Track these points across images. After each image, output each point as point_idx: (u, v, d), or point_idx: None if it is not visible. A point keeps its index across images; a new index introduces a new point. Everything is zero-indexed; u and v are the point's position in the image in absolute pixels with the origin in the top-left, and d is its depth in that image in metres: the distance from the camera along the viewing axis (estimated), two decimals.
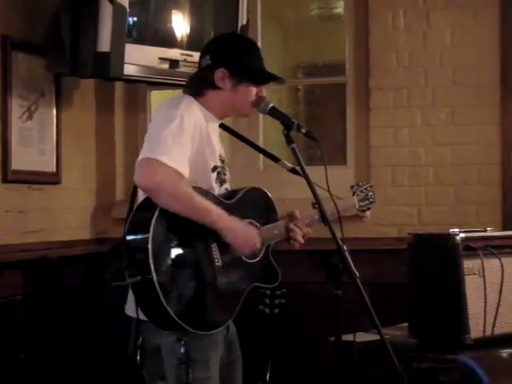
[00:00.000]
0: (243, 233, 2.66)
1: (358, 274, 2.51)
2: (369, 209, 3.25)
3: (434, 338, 3.27)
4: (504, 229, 4.19)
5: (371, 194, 3.26)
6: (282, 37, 5.28)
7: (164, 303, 2.46)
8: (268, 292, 4.25)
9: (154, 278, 2.45)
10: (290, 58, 5.17)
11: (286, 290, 4.26)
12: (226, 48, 2.82)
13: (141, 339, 2.66)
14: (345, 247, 2.55)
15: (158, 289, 2.45)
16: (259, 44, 4.54)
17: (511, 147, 4.35)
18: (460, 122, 4.42)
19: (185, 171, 2.58)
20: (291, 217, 2.90)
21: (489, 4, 4.38)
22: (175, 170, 2.53)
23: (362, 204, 3.20)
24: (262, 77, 2.81)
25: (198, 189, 2.62)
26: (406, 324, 3.44)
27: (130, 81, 4.17)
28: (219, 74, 2.74)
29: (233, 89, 2.75)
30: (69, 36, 3.90)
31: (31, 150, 4.25)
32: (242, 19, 4.26)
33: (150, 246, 2.46)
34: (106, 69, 3.84)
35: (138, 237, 2.52)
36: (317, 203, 2.67)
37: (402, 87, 4.50)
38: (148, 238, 2.47)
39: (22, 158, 4.15)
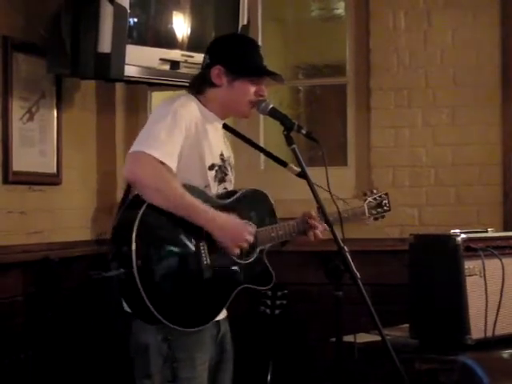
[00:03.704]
0: (231, 226, 2.64)
1: (359, 274, 2.51)
2: (383, 217, 3.18)
3: (435, 338, 3.27)
4: (505, 229, 4.19)
5: (386, 201, 3.18)
6: (283, 38, 5.27)
7: (144, 297, 2.46)
8: (269, 293, 4.25)
9: (135, 271, 2.46)
10: (290, 58, 5.17)
11: (287, 291, 4.26)
12: (223, 47, 2.87)
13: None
14: (346, 248, 2.55)
15: (139, 282, 2.46)
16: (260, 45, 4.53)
17: None
18: (461, 122, 4.42)
19: (173, 165, 2.59)
20: (309, 214, 2.88)
21: (489, 4, 4.38)
22: (164, 164, 2.55)
23: (373, 212, 3.15)
24: (257, 71, 2.81)
25: (190, 187, 2.62)
26: (406, 325, 3.43)
27: (130, 82, 4.16)
28: (215, 71, 2.77)
29: (229, 85, 2.77)
30: (69, 37, 3.90)
31: (32, 151, 4.24)
32: (243, 20, 4.26)
33: (133, 239, 2.47)
34: (106, 70, 3.83)
35: (124, 230, 2.53)
36: (318, 204, 2.67)
37: (403, 87, 4.50)
38: (133, 230, 2.48)
39: (23, 159, 4.14)
